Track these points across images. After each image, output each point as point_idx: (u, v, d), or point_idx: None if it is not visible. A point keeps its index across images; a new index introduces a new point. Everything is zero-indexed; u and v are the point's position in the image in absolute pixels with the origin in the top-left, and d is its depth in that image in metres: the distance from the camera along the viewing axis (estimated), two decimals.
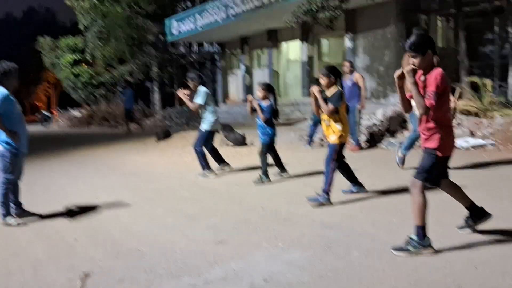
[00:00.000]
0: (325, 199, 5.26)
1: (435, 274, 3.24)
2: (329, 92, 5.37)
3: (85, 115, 25.52)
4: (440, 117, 3.64)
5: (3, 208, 5.15)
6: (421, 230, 3.59)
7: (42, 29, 45.08)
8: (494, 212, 4.04)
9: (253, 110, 6.70)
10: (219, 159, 7.72)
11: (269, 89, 6.76)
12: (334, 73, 5.41)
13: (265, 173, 6.65)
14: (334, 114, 5.29)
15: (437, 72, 3.56)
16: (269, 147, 6.74)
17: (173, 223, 4.91)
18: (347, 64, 9.21)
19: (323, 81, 5.42)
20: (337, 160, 5.38)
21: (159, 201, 6.08)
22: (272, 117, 6.71)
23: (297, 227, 4.53)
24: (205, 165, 7.49)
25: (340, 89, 5.38)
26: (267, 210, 5.23)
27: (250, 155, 9.25)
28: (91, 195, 6.56)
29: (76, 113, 28.05)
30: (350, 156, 8.78)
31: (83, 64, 30.20)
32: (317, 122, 9.62)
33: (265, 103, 6.66)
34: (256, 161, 8.45)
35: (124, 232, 4.69)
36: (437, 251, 3.61)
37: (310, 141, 9.90)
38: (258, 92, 6.75)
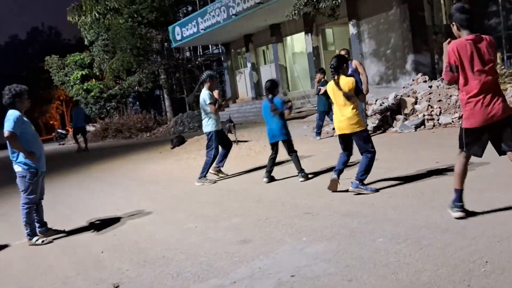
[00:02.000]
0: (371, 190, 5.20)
1: (461, 253, 3.21)
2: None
3: (99, 129, 25.82)
4: (460, 89, 3.75)
5: (28, 228, 5.24)
6: (455, 192, 3.87)
7: (48, 48, 45.76)
8: None
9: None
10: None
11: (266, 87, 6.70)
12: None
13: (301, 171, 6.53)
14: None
15: (450, 45, 3.71)
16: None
17: (195, 227, 4.94)
18: (343, 52, 9.27)
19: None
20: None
21: (179, 206, 6.12)
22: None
23: (319, 219, 4.52)
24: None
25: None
26: (287, 206, 5.23)
27: (264, 153, 9.24)
28: (112, 207, 6.63)
29: (90, 127, 28.37)
30: None
31: (92, 79, 30.51)
32: (321, 111, 9.73)
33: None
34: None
35: (148, 240, 4.74)
36: (466, 216, 3.83)
37: (318, 130, 9.98)
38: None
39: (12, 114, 5.00)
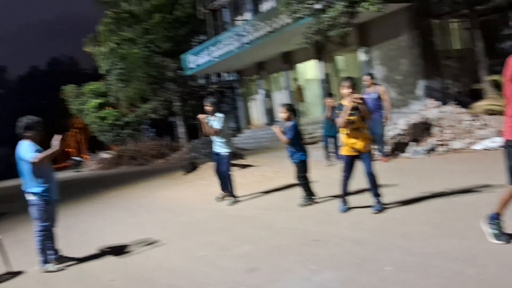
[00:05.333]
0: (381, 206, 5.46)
1: (470, 282, 3.18)
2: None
3: (114, 156, 26.12)
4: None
5: (41, 255, 5.33)
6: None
7: (66, 78, 46.85)
8: None
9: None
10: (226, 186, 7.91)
11: (291, 109, 6.77)
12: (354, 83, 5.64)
13: (308, 195, 6.58)
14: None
15: None
16: (303, 168, 6.61)
17: (205, 255, 4.96)
18: (366, 78, 9.26)
19: (346, 90, 5.52)
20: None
21: (190, 234, 6.15)
22: (297, 137, 6.63)
23: (328, 247, 4.52)
24: (233, 190, 7.61)
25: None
26: (297, 233, 5.23)
27: (276, 178, 9.28)
28: (124, 235, 6.68)
29: (105, 155, 28.74)
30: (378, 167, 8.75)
31: (108, 107, 31.07)
32: (327, 136, 9.77)
33: (287, 124, 6.63)
34: (281, 183, 8.51)
35: (157, 269, 4.76)
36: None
37: (328, 154, 9.96)
38: (282, 114, 6.69)
39: (25, 144, 5.16)
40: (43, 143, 5.35)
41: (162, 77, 25.04)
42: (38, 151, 5.22)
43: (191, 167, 13.44)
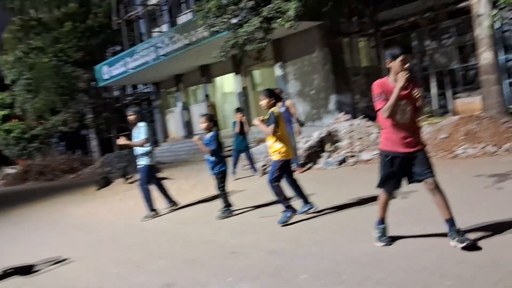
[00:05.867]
0: (288, 216, 5.51)
1: (379, 286, 3.34)
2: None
3: (20, 171, 24.46)
4: None
5: None
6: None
7: None
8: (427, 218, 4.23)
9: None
10: (167, 196, 7.70)
11: (211, 120, 6.78)
12: (273, 96, 5.65)
13: (226, 207, 6.57)
14: (274, 134, 5.51)
15: None
16: (223, 180, 6.63)
17: (119, 273, 4.77)
18: (277, 91, 9.50)
19: (263, 102, 5.58)
20: (284, 177, 5.64)
21: (102, 251, 5.90)
22: (218, 147, 6.66)
23: (245, 258, 4.54)
24: (150, 205, 7.42)
25: (278, 110, 5.59)
26: (214, 245, 5.21)
27: (194, 191, 9.20)
28: (30, 254, 6.24)
29: (10, 170, 26.88)
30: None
31: (14, 119, 29.17)
32: (238, 150, 9.88)
33: (207, 135, 6.66)
34: (199, 197, 8.46)
35: None
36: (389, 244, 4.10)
37: (234, 169, 10.05)
38: (202, 124, 6.70)
39: None
40: None
41: (74, 88, 23.98)
42: None
43: (104, 182, 12.94)
